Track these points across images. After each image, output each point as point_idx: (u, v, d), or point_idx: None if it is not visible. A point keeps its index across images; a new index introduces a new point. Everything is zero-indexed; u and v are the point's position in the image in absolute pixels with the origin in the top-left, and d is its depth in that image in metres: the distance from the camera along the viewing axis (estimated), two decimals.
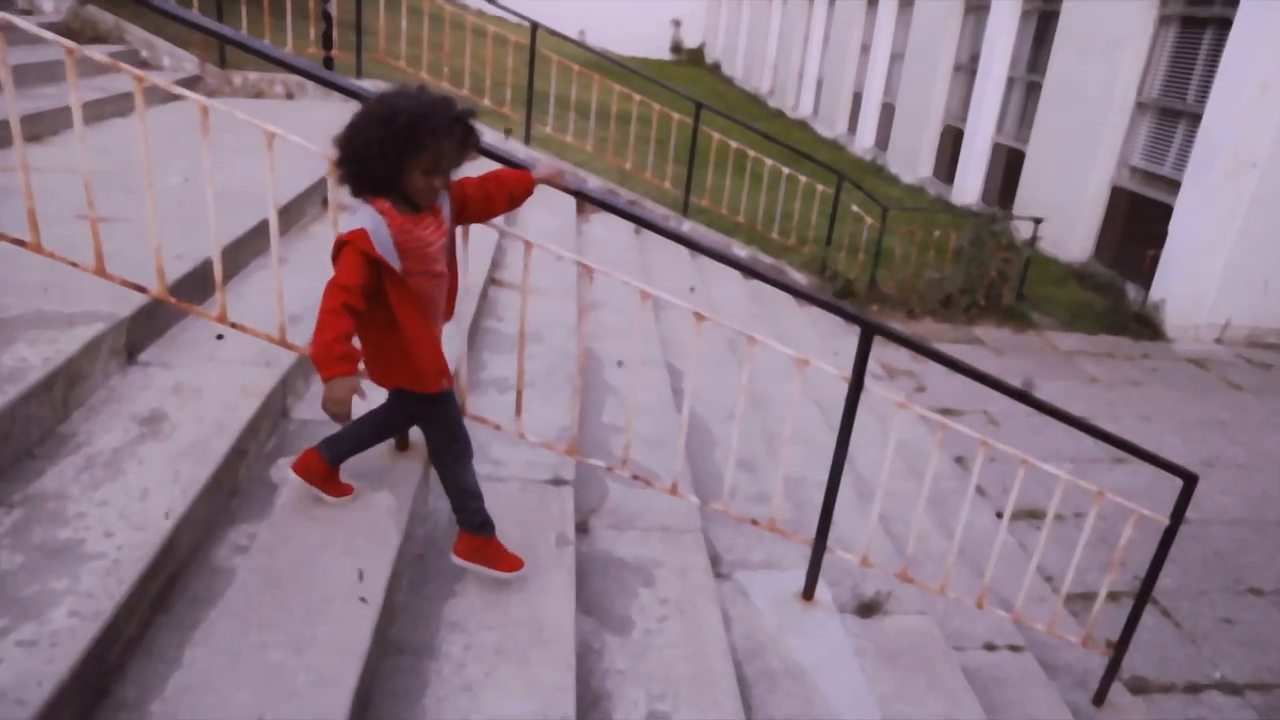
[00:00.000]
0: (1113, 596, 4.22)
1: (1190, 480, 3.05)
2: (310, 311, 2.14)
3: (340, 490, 2.31)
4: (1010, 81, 10.64)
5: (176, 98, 3.50)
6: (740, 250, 7.24)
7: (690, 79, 22.99)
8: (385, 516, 2.28)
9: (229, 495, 2.29)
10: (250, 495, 2.34)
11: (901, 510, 4.34)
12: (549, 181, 2.34)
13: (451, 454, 2.25)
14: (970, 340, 7.17)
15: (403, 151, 1.87)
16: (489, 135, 6.75)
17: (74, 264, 2.36)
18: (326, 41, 6.59)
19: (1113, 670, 3.35)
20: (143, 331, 2.63)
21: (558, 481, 2.82)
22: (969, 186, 10.99)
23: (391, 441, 2.56)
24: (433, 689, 1.99)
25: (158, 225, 2.34)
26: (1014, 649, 3.42)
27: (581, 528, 2.90)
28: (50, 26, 5.71)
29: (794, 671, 2.61)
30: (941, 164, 12.18)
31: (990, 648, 3.40)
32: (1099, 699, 3.39)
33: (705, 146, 7.22)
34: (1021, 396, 2.96)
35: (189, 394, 2.46)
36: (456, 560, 2.30)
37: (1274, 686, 3.76)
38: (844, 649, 2.74)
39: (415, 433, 2.58)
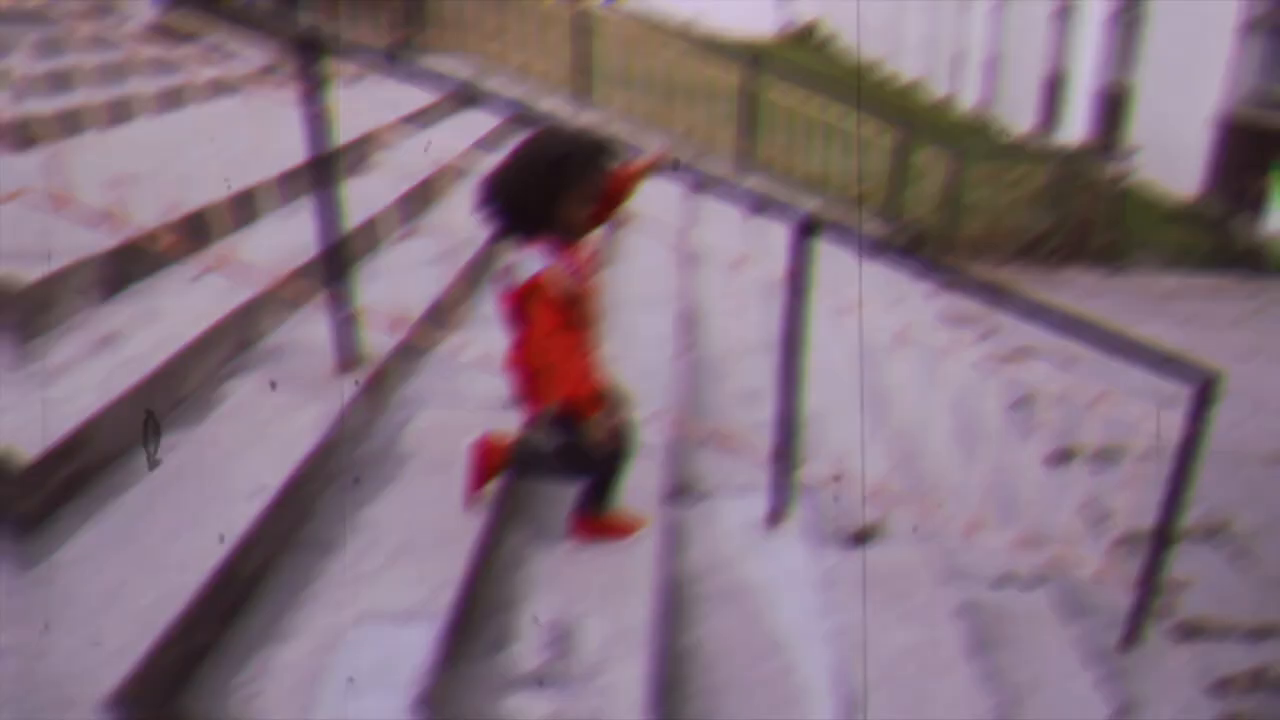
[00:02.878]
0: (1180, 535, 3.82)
1: (1209, 383, 2.69)
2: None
3: (629, 526, 2.38)
4: (1114, 17, 9.77)
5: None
6: (809, 202, 7.01)
7: (802, 56, 22.54)
8: (307, 425, 2.35)
9: (169, 406, 2.41)
10: (193, 409, 2.45)
11: (941, 449, 4.08)
12: (651, 168, 2.30)
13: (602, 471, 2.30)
14: (1059, 285, 6.65)
15: (559, 187, 1.94)
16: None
17: None
18: (402, 23, 6.89)
19: (1140, 610, 3.01)
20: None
21: (511, 405, 2.81)
22: (1075, 130, 10.19)
23: (330, 360, 2.64)
24: (324, 580, 2.03)
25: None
26: (1028, 584, 3.14)
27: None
28: (152, 25, 6.22)
29: (740, 591, 2.49)
30: (1049, 112, 11.34)
31: (1002, 583, 3.14)
32: (1129, 641, 3.05)
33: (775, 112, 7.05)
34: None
35: (149, 318, 2.61)
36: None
37: None
38: (804, 572, 2.59)
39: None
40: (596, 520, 2.36)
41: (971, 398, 4.79)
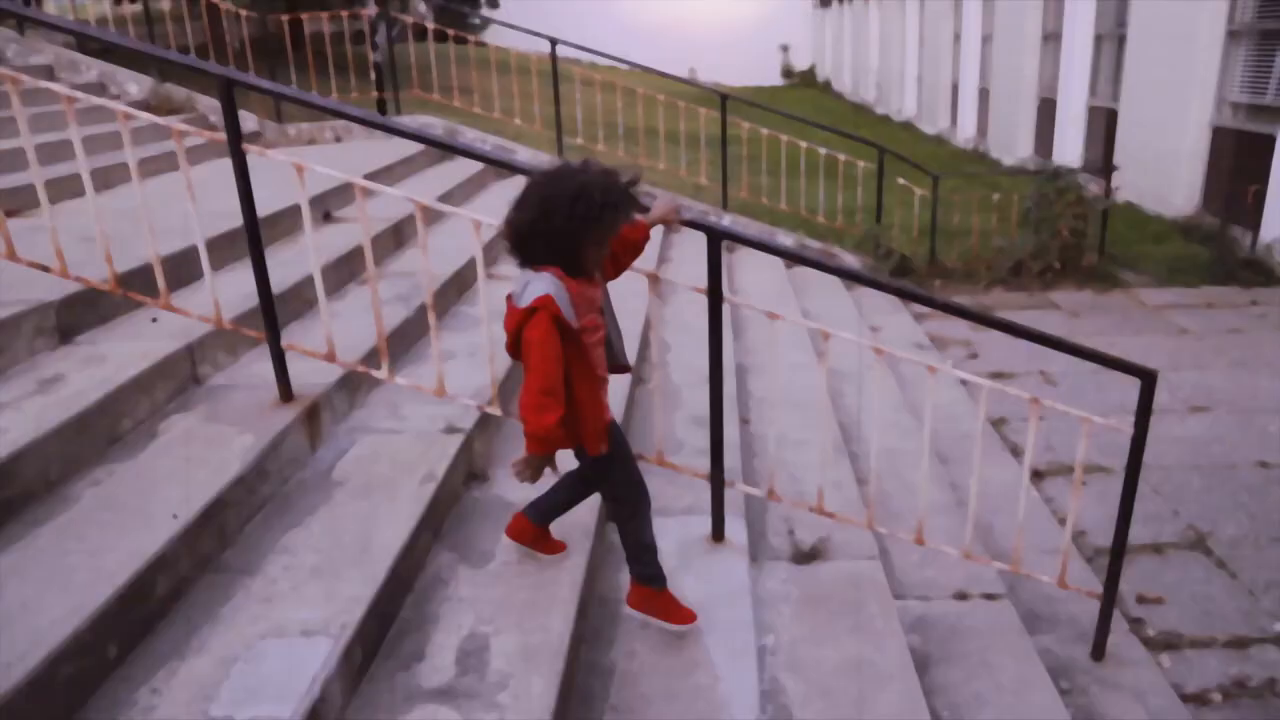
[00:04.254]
0: (1157, 549, 3.73)
1: (1148, 378, 2.66)
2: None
3: (553, 547, 2.42)
4: (1099, 40, 9.85)
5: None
6: (785, 237, 7.06)
7: (799, 99, 22.86)
8: (234, 454, 2.40)
9: (107, 441, 2.47)
10: (130, 443, 2.51)
11: (910, 469, 4.03)
12: (664, 221, 2.35)
13: (623, 512, 2.33)
14: (1044, 306, 6.59)
15: (586, 225, 1.96)
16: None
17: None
18: (378, 86, 7.14)
19: (1105, 620, 2.93)
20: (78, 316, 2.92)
21: (451, 430, 2.85)
22: (1068, 155, 10.19)
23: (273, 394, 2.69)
24: (235, 600, 2.05)
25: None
26: (989, 597, 3.07)
27: (481, 475, 2.90)
28: (137, 103, 6.54)
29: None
30: (1042, 139, 11.38)
31: (963, 596, 3.08)
32: (1097, 652, 2.97)
33: (761, 144, 7.14)
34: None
35: (94, 361, 2.70)
36: (629, 611, 2.36)
37: None
38: (741, 589, 2.56)
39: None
40: (651, 595, 2.36)
41: (948, 418, 4.74)
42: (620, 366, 2.29)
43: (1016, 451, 4.53)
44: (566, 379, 2.03)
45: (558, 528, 2.47)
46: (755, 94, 21.05)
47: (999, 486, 4.07)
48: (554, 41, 6.61)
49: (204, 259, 2.62)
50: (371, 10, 6.86)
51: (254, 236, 2.56)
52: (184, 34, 7.32)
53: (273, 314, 2.65)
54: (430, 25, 8.07)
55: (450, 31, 7.59)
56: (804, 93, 24.64)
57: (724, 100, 6.71)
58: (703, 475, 2.76)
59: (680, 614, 2.35)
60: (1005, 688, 2.64)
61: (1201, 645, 3.18)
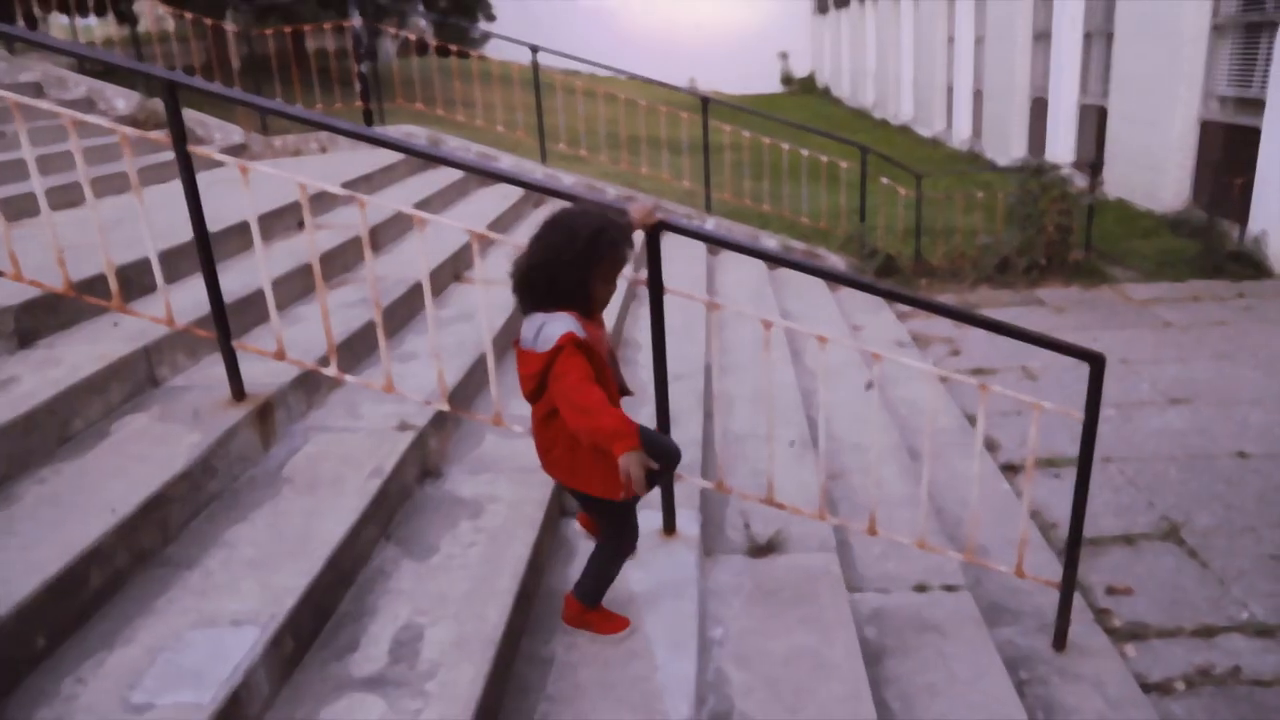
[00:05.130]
0: (1129, 540, 3.70)
1: (1097, 362, 2.64)
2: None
3: (616, 625, 2.34)
4: (1088, 38, 9.83)
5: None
6: (769, 239, 7.06)
7: (798, 106, 22.89)
8: (180, 451, 2.42)
9: (57, 441, 2.50)
10: (81, 442, 2.53)
11: (881, 463, 4.01)
12: (642, 226, 2.37)
13: (609, 547, 2.33)
14: (1030, 303, 6.56)
15: (590, 265, 2.01)
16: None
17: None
18: (364, 97, 7.21)
19: (1065, 610, 2.91)
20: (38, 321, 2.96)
21: (404, 427, 2.87)
22: (1060, 153, 10.16)
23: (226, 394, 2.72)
24: (171, 593, 2.07)
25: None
26: (949, 589, 3.05)
27: (435, 472, 2.92)
28: (124, 118, 6.63)
29: (619, 599, 2.47)
30: (1035, 139, 11.35)
31: (922, 588, 3.06)
32: (1059, 643, 2.95)
33: (744, 147, 7.13)
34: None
35: (50, 363, 2.73)
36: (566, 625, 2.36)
37: None
38: (688, 581, 2.56)
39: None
40: (582, 610, 2.36)
41: (922, 413, 4.73)
42: (623, 390, 2.32)
43: (992, 446, 4.51)
44: (598, 392, 2.04)
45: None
46: (755, 101, 21.08)
47: (971, 481, 4.04)
48: (535, 49, 6.66)
49: (155, 264, 2.65)
50: (356, 22, 6.93)
51: (202, 239, 2.60)
52: (188, 53, 7.44)
53: (223, 314, 2.68)
54: (432, 41, 8.15)
55: (453, 47, 7.68)
56: (804, 99, 24.68)
57: (705, 103, 6.74)
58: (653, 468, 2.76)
59: (613, 625, 2.34)
60: (959, 678, 2.62)
61: (1168, 635, 3.15)
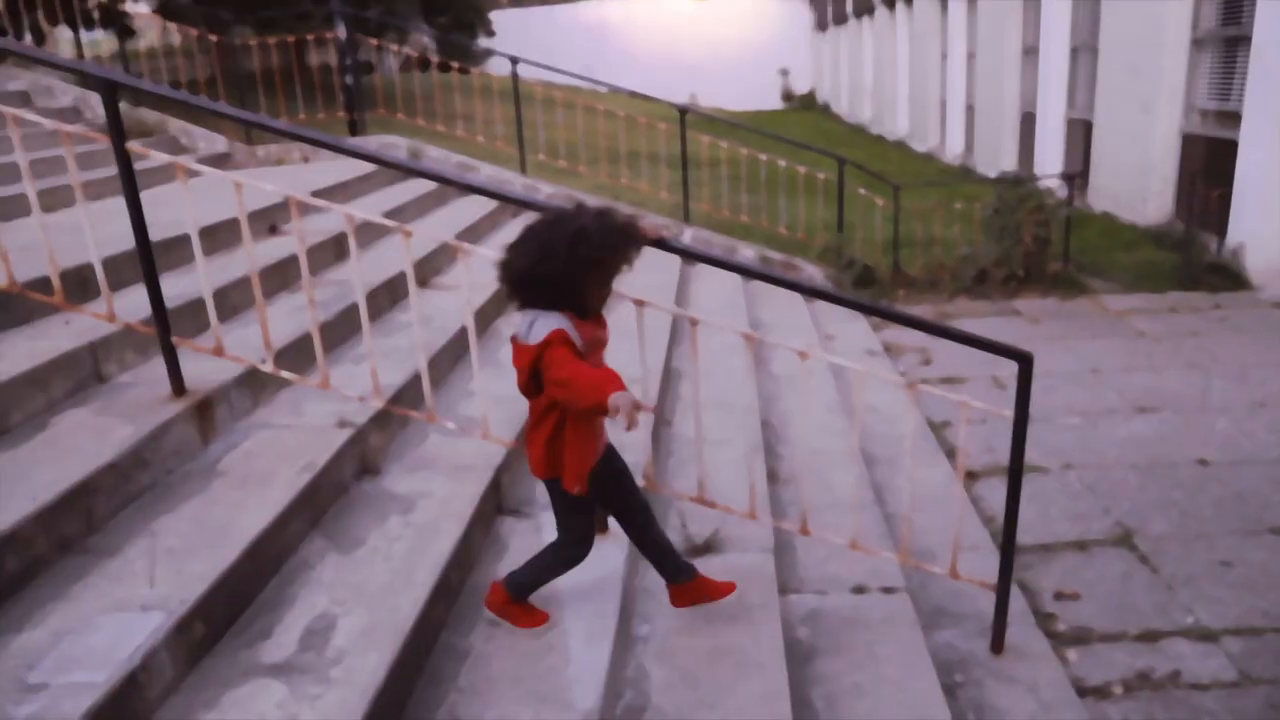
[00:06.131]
0: (1081, 546, 3.70)
1: (1025, 360, 2.65)
2: None
3: (535, 619, 2.36)
4: (1075, 52, 9.88)
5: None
6: (747, 250, 7.10)
7: (797, 122, 22.99)
8: (111, 443, 2.45)
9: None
10: (17, 434, 2.57)
11: (835, 468, 4.02)
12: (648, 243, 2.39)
13: (558, 553, 2.36)
14: (1006, 313, 6.57)
15: (587, 268, 2.01)
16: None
17: None
18: (349, 107, 7.32)
19: (1002, 613, 2.91)
20: None
21: (343, 424, 2.90)
22: (1048, 167, 10.19)
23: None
24: (89, 579, 2.09)
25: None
26: (888, 591, 3.05)
27: (373, 469, 2.94)
28: (104, 128, 6.73)
29: (542, 594, 2.48)
30: (1025, 154, 11.39)
31: (861, 590, 3.06)
32: (996, 645, 2.94)
33: (721, 160, 7.18)
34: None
35: None
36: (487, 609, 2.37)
37: (1266, 630, 3.12)
38: (613, 577, 2.57)
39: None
40: (506, 600, 2.37)
41: (885, 420, 4.74)
42: None
43: (952, 454, 4.51)
44: (562, 413, 2.11)
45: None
46: (754, 117, 21.19)
47: (929, 487, 4.05)
48: (514, 60, 6.75)
49: (96, 262, 2.70)
50: (341, 33, 7.03)
51: (141, 238, 2.64)
52: (193, 68, 7.59)
53: (163, 311, 2.71)
54: (433, 58, 8.25)
55: (453, 64, 7.80)
56: (803, 115, 24.78)
57: (683, 115, 6.80)
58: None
59: (532, 619, 2.36)
60: (887, 679, 2.62)
61: (1111, 639, 3.14)
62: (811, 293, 2.84)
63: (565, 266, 1.98)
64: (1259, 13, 6.39)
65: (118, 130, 2.53)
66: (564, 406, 2.09)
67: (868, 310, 2.96)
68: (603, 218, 2.05)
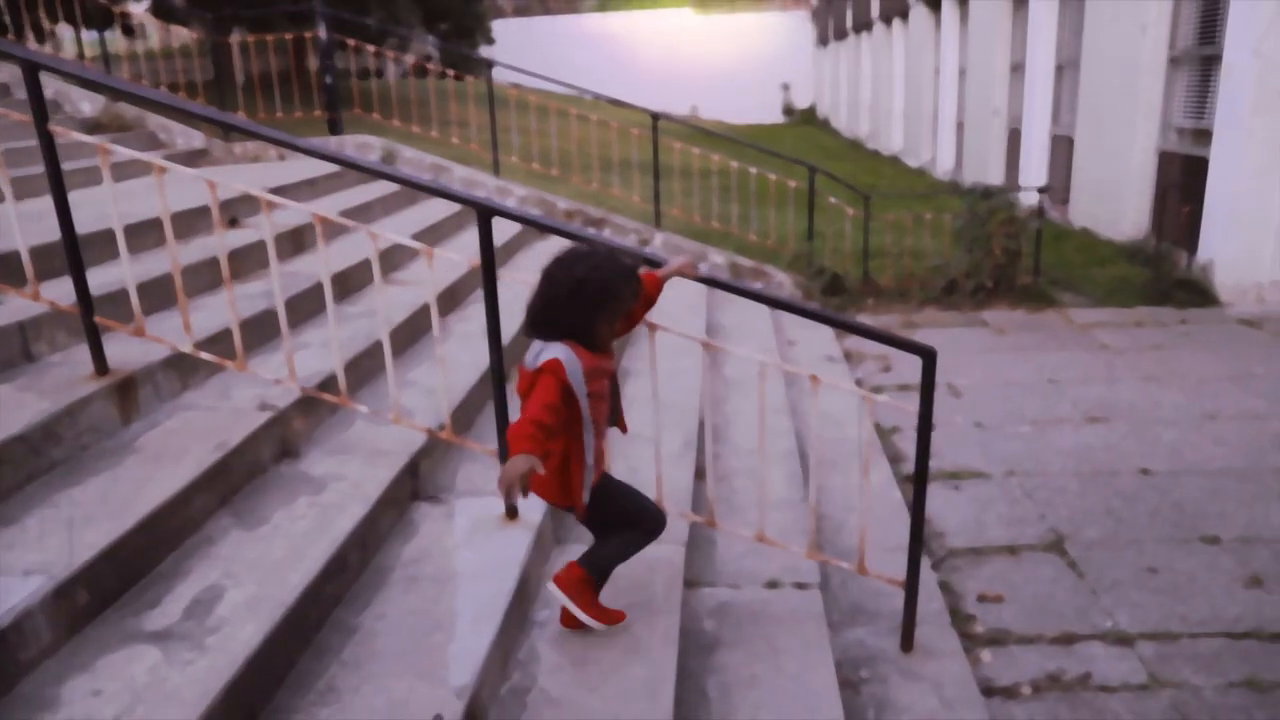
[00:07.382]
0: (1012, 550, 3.71)
1: (929, 356, 2.67)
2: None
3: (612, 616, 2.51)
4: (1060, 70, 9.93)
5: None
6: (717, 255, 7.14)
7: (796, 136, 23.08)
8: (24, 416, 2.50)
9: None
10: None
11: (767, 469, 4.04)
12: (680, 274, 2.57)
13: (621, 537, 2.48)
14: (974, 324, 6.59)
15: (595, 311, 2.16)
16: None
17: None
18: (328, 106, 7.41)
19: (910, 612, 2.93)
20: None
21: (264, 407, 2.95)
22: (1032, 183, 10.21)
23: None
24: None
25: None
26: (801, 587, 3.07)
27: (294, 452, 2.98)
28: (86, 121, 6.84)
29: (441, 576, 2.52)
30: (1012, 169, 11.43)
31: (774, 585, 3.09)
32: (906, 643, 2.96)
33: (693, 166, 7.23)
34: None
35: None
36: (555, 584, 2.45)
37: (1181, 635, 3.13)
38: (512, 562, 2.60)
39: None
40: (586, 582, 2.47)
41: (833, 424, 4.77)
42: (613, 423, 2.45)
43: (897, 459, 4.54)
44: (566, 442, 2.23)
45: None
46: (755, 131, 21.30)
47: (872, 491, 4.06)
48: (490, 64, 6.83)
49: (20, 242, 2.76)
50: (322, 33, 7.13)
51: (65, 219, 2.69)
52: (193, 69, 7.73)
53: (85, 291, 2.77)
54: (432, 66, 8.35)
55: (450, 72, 7.91)
56: (803, 130, 24.88)
57: (655, 120, 6.87)
58: (491, 452, 2.83)
59: (607, 616, 2.49)
60: (785, 671, 2.64)
61: (1028, 641, 3.16)
62: (765, 301, 2.87)
63: (570, 308, 2.14)
64: (1229, 32, 6.43)
65: (40, 110, 2.59)
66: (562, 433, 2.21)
67: (771, 304, 2.98)
68: (612, 259, 2.19)
